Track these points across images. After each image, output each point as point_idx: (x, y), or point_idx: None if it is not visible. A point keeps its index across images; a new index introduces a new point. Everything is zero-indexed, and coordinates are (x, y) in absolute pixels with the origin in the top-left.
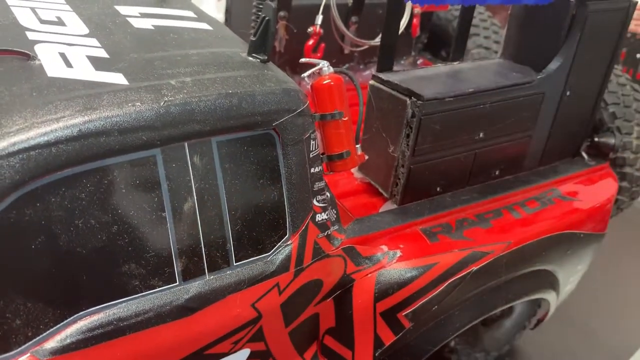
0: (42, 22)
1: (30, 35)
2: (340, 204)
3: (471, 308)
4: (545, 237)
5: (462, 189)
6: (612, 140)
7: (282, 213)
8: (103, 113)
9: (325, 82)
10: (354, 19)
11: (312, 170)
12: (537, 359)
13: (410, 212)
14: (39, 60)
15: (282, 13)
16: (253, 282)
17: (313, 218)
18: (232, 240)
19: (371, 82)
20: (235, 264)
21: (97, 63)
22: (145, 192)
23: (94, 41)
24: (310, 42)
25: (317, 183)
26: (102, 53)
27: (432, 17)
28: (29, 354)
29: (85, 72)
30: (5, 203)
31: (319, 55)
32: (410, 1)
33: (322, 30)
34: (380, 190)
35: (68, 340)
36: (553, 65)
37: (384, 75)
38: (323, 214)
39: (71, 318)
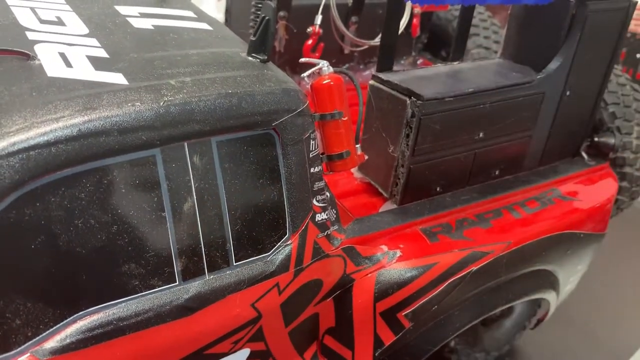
0: (42, 22)
1: (30, 35)
2: (340, 204)
3: (471, 308)
4: (545, 237)
5: (462, 189)
6: (612, 140)
7: (282, 213)
8: (103, 113)
9: (325, 82)
10: (353, 19)
11: (312, 170)
12: (537, 359)
13: (410, 212)
14: (38, 60)
15: (281, 13)
16: (253, 282)
17: (313, 218)
18: (232, 240)
19: (371, 82)
20: (235, 264)
21: (97, 63)
22: (144, 192)
23: (93, 41)
24: (309, 41)
25: (316, 183)
26: (102, 53)
27: (432, 17)
28: (28, 354)
29: (85, 72)
30: (5, 203)
31: (317, 55)
32: (410, 1)
33: (321, 30)
34: (380, 190)
35: (68, 340)
36: (553, 65)
37: (383, 75)
38: (323, 213)
39: (71, 318)
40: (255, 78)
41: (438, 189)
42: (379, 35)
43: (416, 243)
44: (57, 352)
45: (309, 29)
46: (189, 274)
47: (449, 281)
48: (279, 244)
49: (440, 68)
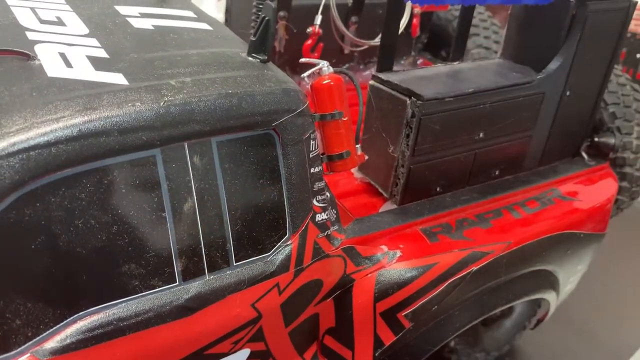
0: (42, 22)
1: (30, 35)
2: (340, 204)
3: (471, 308)
4: (545, 237)
5: (462, 189)
6: (612, 140)
7: (282, 213)
8: (103, 113)
9: (325, 82)
10: (353, 19)
11: (312, 170)
12: (537, 359)
13: (410, 212)
14: (38, 60)
15: (282, 13)
16: (253, 282)
17: (313, 218)
18: (232, 240)
19: (371, 82)
20: (235, 264)
21: (97, 63)
22: (145, 192)
23: (93, 41)
24: (309, 42)
25: (317, 183)
26: (102, 53)
27: (432, 17)
28: (29, 354)
29: (85, 72)
30: (5, 203)
31: (317, 55)
32: (410, 1)
33: (321, 31)
34: (380, 190)
35: (68, 341)
36: (553, 65)
37: (383, 75)
38: (323, 214)
39: (71, 318)
40: (255, 78)
41: (438, 189)
42: (379, 35)
43: (416, 243)
44: (57, 353)
45: (309, 29)
46: (189, 274)
47: (449, 281)
48: (279, 244)
49: (440, 68)
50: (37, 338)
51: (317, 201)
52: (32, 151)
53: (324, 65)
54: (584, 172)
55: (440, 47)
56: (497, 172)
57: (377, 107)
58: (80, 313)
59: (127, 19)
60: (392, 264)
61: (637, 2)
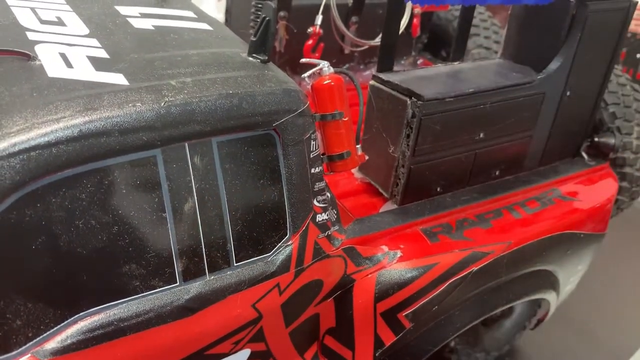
0: (42, 22)
1: (31, 36)
2: (340, 204)
3: (471, 308)
4: (546, 237)
5: (462, 189)
6: (612, 140)
7: (283, 213)
8: (103, 113)
9: (325, 82)
10: (354, 19)
11: (312, 170)
12: (537, 359)
13: (411, 212)
14: (39, 60)
15: (282, 13)
16: (253, 283)
17: (313, 218)
18: (233, 241)
19: (371, 82)
20: (235, 264)
21: (98, 63)
22: (145, 193)
23: (94, 41)
24: (310, 42)
25: (317, 183)
26: (103, 53)
27: (432, 17)
28: (29, 355)
29: (85, 72)
30: (5, 204)
31: (317, 55)
32: (410, 1)
33: (321, 31)
34: (381, 190)
35: (69, 341)
36: (553, 65)
37: (384, 76)
38: (323, 214)
39: (72, 318)
40: (255, 78)
41: (438, 189)
42: (379, 36)
43: (417, 243)
44: (58, 353)
45: (309, 29)
46: (190, 274)
47: (450, 281)
48: (279, 244)
49: (441, 68)
50: (38, 338)
51: (318, 201)
52: (33, 151)
53: (325, 66)
54: (584, 172)
55: (441, 47)
56: (497, 172)
57: (377, 107)
58: (81, 313)
59: (128, 19)
60: (393, 264)
61: (637, 2)
